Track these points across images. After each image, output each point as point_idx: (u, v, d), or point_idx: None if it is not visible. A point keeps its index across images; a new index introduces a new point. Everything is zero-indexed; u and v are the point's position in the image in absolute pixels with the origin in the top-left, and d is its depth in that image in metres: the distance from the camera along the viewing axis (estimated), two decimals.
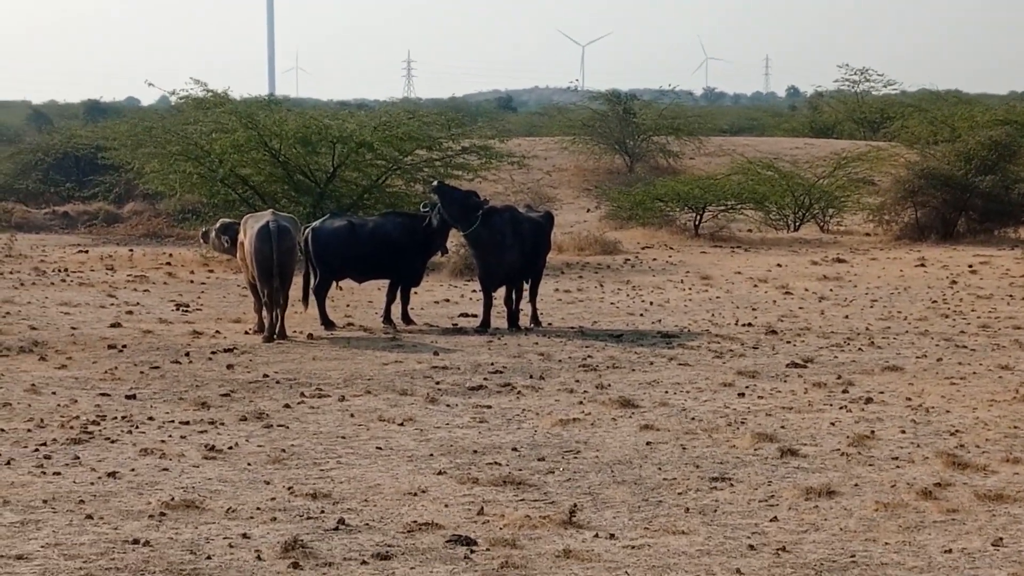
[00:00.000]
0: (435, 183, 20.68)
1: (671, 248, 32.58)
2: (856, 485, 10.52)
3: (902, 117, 49.85)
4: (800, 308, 21.65)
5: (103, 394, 14.38)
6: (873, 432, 12.37)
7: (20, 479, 10.69)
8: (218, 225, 20.68)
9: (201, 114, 32.90)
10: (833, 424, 12.79)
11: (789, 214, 38.29)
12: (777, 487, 10.49)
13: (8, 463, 11.21)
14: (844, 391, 14.48)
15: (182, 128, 31.92)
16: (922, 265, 27.77)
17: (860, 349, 17.43)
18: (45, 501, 10.02)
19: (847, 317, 20.49)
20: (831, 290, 24.03)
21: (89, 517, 9.57)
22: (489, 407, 13.78)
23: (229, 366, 16.26)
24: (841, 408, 13.58)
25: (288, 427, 12.76)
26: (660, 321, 20.30)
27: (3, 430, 12.48)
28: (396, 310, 20.04)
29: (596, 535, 9.21)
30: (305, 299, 19.93)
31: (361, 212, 27.86)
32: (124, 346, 17.66)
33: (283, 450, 11.78)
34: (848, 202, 38.23)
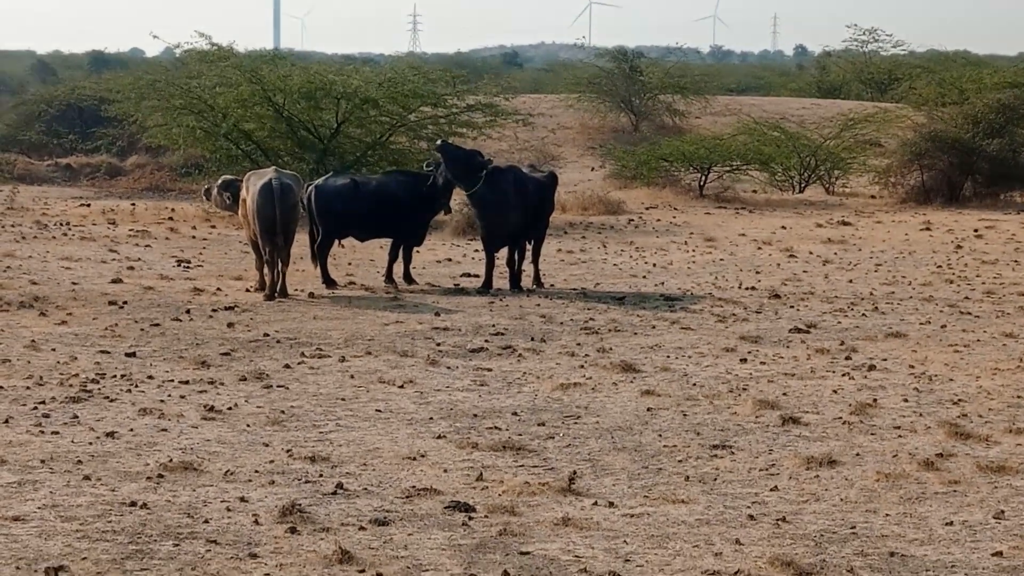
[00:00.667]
0: (438, 142, 20.58)
1: (675, 209, 32.47)
2: (857, 455, 10.47)
3: (910, 78, 49.72)
4: (804, 272, 21.57)
5: (103, 351, 14.33)
6: (875, 400, 12.31)
7: (18, 438, 10.65)
8: (220, 182, 20.59)
9: (205, 68, 32.79)
10: (835, 392, 12.73)
11: (795, 175, 38.16)
12: (778, 456, 10.44)
13: (6, 421, 11.16)
14: (847, 358, 14.41)
15: (186, 82, 31.81)
16: (927, 229, 27.66)
17: (864, 314, 17.37)
18: (43, 461, 9.98)
19: (851, 281, 20.42)
20: (835, 253, 23.94)
21: (87, 478, 9.53)
22: (490, 370, 13.72)
23: (230, 324, 16.21)
24: (844, 375, 13.52)
25: (288, 388, 12.71)
26: (663, 284, 20.22)
27: (2, 387, 12.43)
28: (398, 269, 19.98)
29: (595, 503, 9.16)
30: (314, 257, 19.85)
31: (364, 169, 27.80)
32: (125, 302, 17.60)
33: (282, 411, 11.73)
34: (854, 164, 38.06)
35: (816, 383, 13.15)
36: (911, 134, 35.10)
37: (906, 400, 12.38)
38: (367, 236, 20.60)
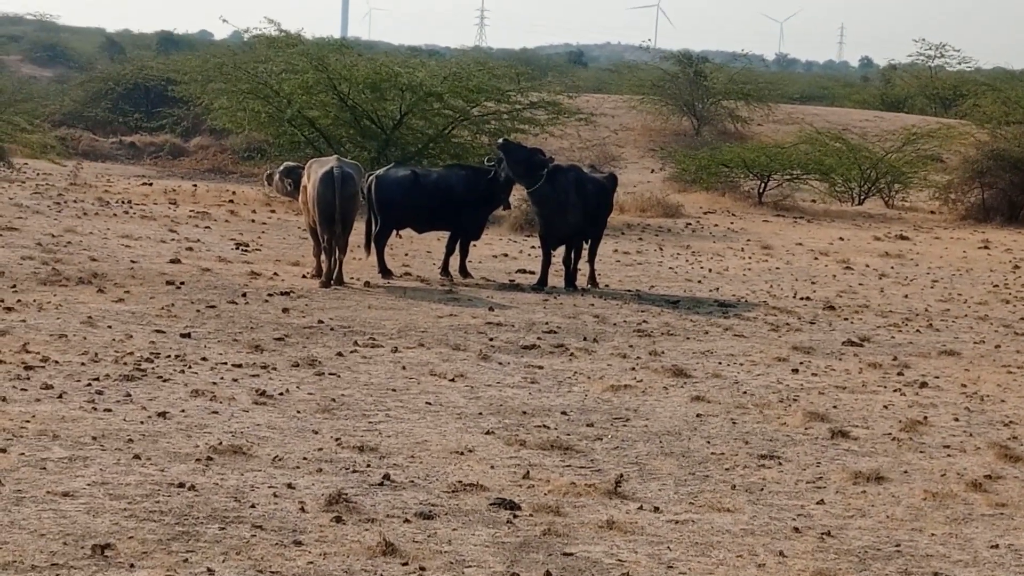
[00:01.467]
0: (501, 140, 20.62)
1: (733, 215, 32.41)
2: (905, 472, 10.43)
3: (975, 95, 49.29)
4: (860, 284, 21.49)
5: (158, 331, 14.43)
6: (926, 418, 12.26)
7: (71, 414, 10.74)
8: (282, 168, 20.71)
9: (273, 53, 33.04)
10: (886, 407, 12.68)
11: (855, 187, 38.04)
12: (826, 469, 10.41)
13: (60, 396, 11.26)
14: (899, 373, 14.36)
15: (253, 66, 32.03)
16: (985, 247, 27.52)
17: (918, 331, 17.29)
18: (94, 438, 10.06)
19: (907, 296, 20.34)
20: (892, 267, 23.85)
21: (137, 457, 9.60)
22: (541, 368, 13.74)
23: (285, 310, 16.29)
24: (895, 391, 13.46)
25: (339, 376, 12.77)
26: (718, 289, 20.20)
27: (57, 362, 12.54)
28: (454, 262, 20.04)
29: (641, 507, 9.16)
30: (368, 246, 19.94)
31: (425, 161, 27.87)
32: (182, 283, 17.72)
33: (333, 399, 11.79)
34: (915, 178, 37.94)
35: (867, 397, 13.10)
36: (973, 151, 34.94)
37: (956, 419, 12.32)
38: (425, 228, 20.67)
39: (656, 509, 9.14)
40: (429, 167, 22.92)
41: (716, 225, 29.88)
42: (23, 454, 9.48)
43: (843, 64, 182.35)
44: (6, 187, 29.12)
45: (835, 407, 12.57)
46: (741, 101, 52.07)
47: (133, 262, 19.40)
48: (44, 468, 9.19)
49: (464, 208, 19.94)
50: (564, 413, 11.83)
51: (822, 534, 8.76)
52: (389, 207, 19.79)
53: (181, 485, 8.97)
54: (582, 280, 19.88)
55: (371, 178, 20.07)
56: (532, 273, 20.38)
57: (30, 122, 37.62)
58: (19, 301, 15.62)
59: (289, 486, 9.12)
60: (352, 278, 18.97)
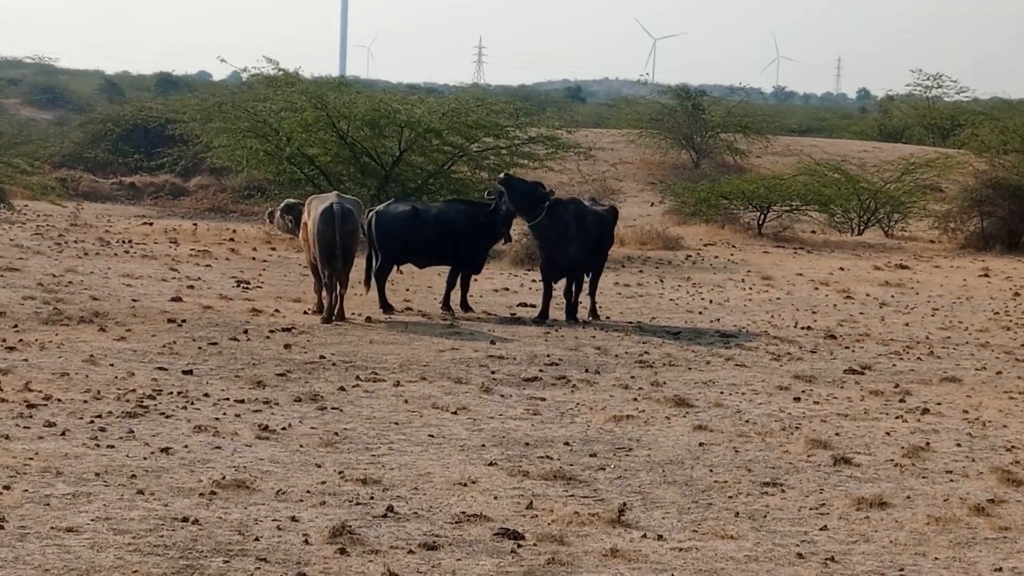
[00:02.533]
0: (502, 175, 20.68)
1: (733, 246, 32.46)
2: (908, 497, 10.44)
3: (973, 125, 49.47)
4: (861, 313, 21.52)
5: (160, 368, 14.46)
6: (928, 444, 12.26)
7: (74, 450, 10.76)
8: (283, 205, 20.79)
9: (271, 92, 33.12)
10: (888, 434, 12.69)
11: (854, 217, 38.08)
12: (829, 495, 10.42)
13: (63, 434, 11.28)
14: (901, 400, 14.37)
15: (252, 105, 32.11)
16: (986, 275, 27.54)
17: (919, 358, 17.31)
18: (98, 474, 10.08)
19: (907, 325, 20.35)
20: (892, 296, 23.87)
21: (140, 492, 9.62)
22: (543, 399, 13.76)
23: (287, 346, 16.31)
24: (897, 418, 13.47)
25: (342, 410, 12.79)
26: (719, 320, 20.23)
27: (60, 400, 12.57)
28: (455, 297, 20.07)
29: (644, 535, 9.17)
30: (367, 281, 19.99)
31: (425, 197, 27.92)
32: (183, 320, 17.75)
33: (336, 433, 11.81)
34: (914, 208, 37.98)
35: (869, 424, 13.11)
36: (972, 180, 34.99)
37: (959, 445, 12.33)
38: (426, 263, 20.71)
39: (660, 537, 9.15)
40: (429, 202, 22.96)
41: (716, 257, 29.92)
42: (27, 491, 9.50)
43: (841, 96, 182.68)
44: (7, 228, 29.18)
45: (837, 434, 12.58)
46: (739, 134, 52.17)
47: (134, 301, 19.44)
48: (48, 504, 9.21)
49: (464, 242, 19.98)
50: (567, 444, 11.84)
51: (826, 559, 8.77)
52: (389, 242, 19.83)
53: (185, 519, 8.98)
54: (583, 313, 19.91)
55: (371, 214, 20.13)
56: (533, 306, 20.41)
57: (30, 164, 37.69)
58: (21, 340, 15.65)
59: (293, 519, 9.13)
60: (353, 314, 19.01)
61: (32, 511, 9.03)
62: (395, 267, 20.48)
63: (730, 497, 10.30)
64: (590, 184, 41.14)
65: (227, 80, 76.06)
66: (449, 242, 19.97)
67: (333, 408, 12.85)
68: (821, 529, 9.48)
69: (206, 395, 13.18)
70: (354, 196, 21.98)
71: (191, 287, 21.37)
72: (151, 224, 32.88)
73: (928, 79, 66.19)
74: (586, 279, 20.19)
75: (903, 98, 70.09)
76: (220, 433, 11.59)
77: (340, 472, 10.45)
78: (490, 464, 10.98)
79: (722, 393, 14.48)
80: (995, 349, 18.25)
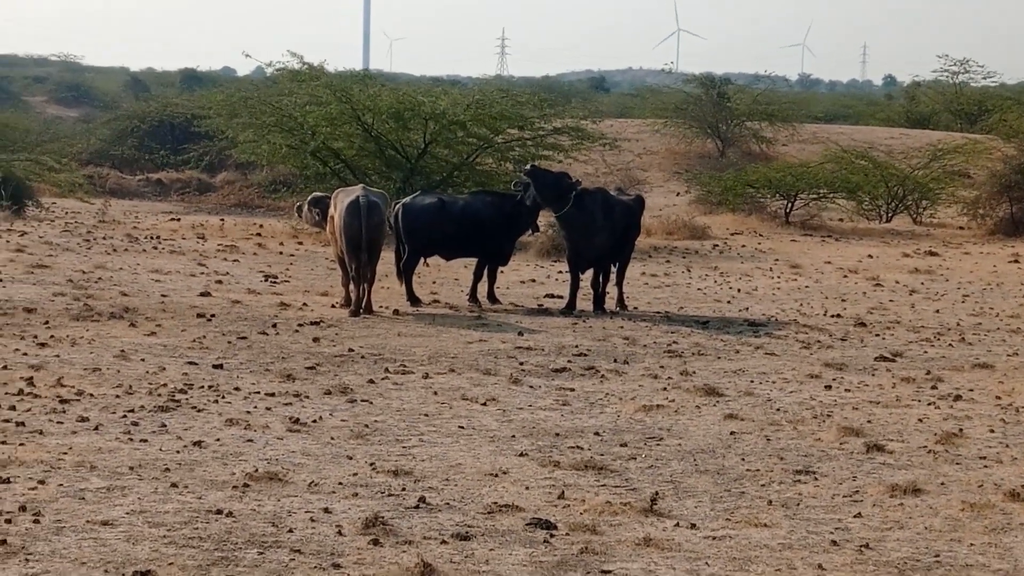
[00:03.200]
0: (528, 166, 20.67)
1: (760, 235, 32.40)
2: (942, 484, 10.40)
3: (1000, 110, 49.20)
4: (890, 301, 21.46)
5: (191, 362, 14.49)
6: (961, 430, 12.22)
7: (107, 445, 10.79)
8: (310, 198, 20.77)
9: (296, 86, 33.08)
10: (921, 420, 12.65)
11: (882, 204, 37.96)
12: (862, 483, 10.39)
13: (96, 428, 11.32)
14: (933, 387, 14.32)
15: (277, 99, 32.11)
16: (1016, 261, 27.43)
17: (950, 345, 17.25)
18: (131, 468, 10.11)
19: (938, 311, 20.28)
20: (922, 283, 23.80)
21: (174, 485, 9.64)
22: (572, 390, 13.75)
23: (315, 339, 16.34)
24: (929, 404, 13.43)
25: (372, 402, 12.80)
26: (747, 309, 20.19)
27: (92, 395, 12.61)
28: (482, 289, 20.06)
29: (677, 524, 9.16)
30: (399, 275, 19.99)
31: (450, 189, 27.91)
32: (213, 315, 17.79)
33: (366, 425, 11.82)
34: (942, 194, 37.84)
35: (901, 412, 13.07)
36: (1000, 166, 34.82)
37: (992, 431, 12.28)
38: (453, 255, 20.70)
39: (693, 526, 9.13)
40: (455, 194, 22.94)
41: (743, 246, 29.87)
42: (62, 485, 9.54)
43: (867, 83, 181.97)
44: (36, 226, 29.28)
45: (869, 422, 12.55)
46: (765, 122, 52.02)
47: (164, 296, 19.48)
48: (83, 498, 9.24)
49: (491, 234, 19.97)
50: (597, 434, 11.83)
51: (860, 546, 8.75)
52: (416, 235, 19.84)
53: (219, 512, 9.00)
54: (611, 303, 19.89)
55: (398, 206, 20.13)
56: (560, 297, 20.39)
57: (58, 161, 37.77)
58: (52, 337, 15.71)
59: (326, 511, 9.14)
60: (381, 306, 19.03)
61: (67, 505, 9.06)
62: (422, 260, 20.48)
63: (763, 485, 10.28)
64: (616, 174, 41.14)
65: (251, 75, 76.05)
66: (476, 234, 19.96)
67: (363, 400, 12.86)
68: (855, 516, 9.45)
69: (237, 389, 13.20)
70: (380, 189, 21.99)
71: (219, 282, 21.41)
72: (178, 220, 32.98)
73: (955, 64, 65.82)
74: (613, 269, 20.17)
75: (930, 84, 69.71)
76: (252, 426, 11.61)
77: (371, 464, 10.46)
78: (521, 455, 10.98)
79: (752, 382, 14.45)
80: None
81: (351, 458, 10.67)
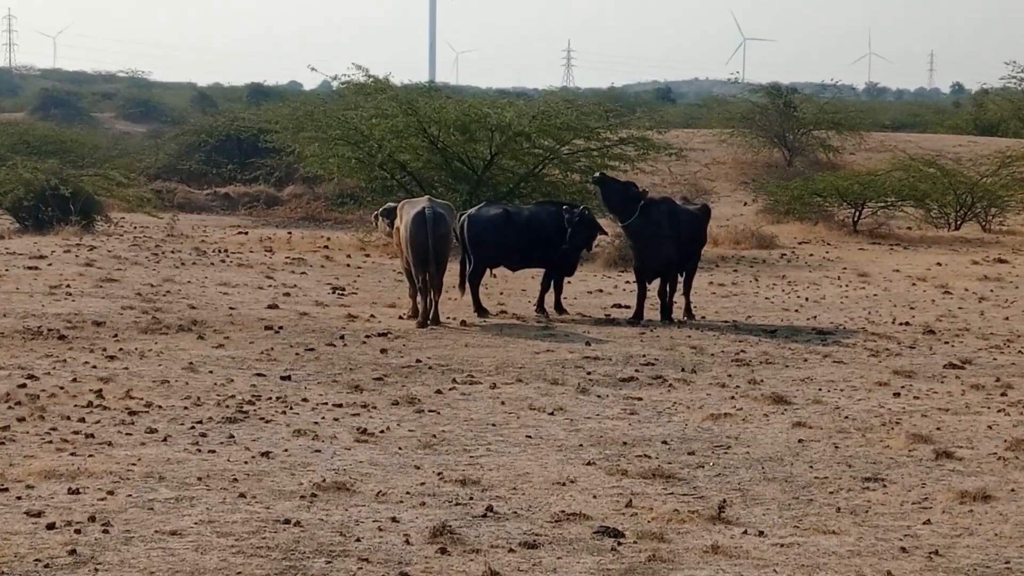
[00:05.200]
0: (597, 174, 20.67)
1: (828, 244, 32.25)
2: (1013, 490, 10.32)
3: None
4: (959, 308, 21.30)
5: (259, 374, 14.57)
6: None
7: (176, 456, 10.87)
8: (381, 209, 20.83)
9: (362, 99, 33.20)
10: (990, 427, 12.56)
11: (950, 212, 37.67)
12: (931, 489, 10.32)
13: (165, 439, 11.40)
14: (1003, 394, 14.21)
15: (343, 113, 32.23)
16: None
17: (1020, 352, 17.10)
18: (200, 478, 10.17)
19: (1007, 319, 20.12)
20: (991, 291, 23.61)
21: (242, 496, 9.69)
22: (640, 399, 13.73)
23: (383, 350, 16.39)
24: (999, 411, 13.33)
25: (439, 413, 12.82)
26: (815, 317, 20.10)
27: (161, 407, 12.70)
28: (549, 299, 20.06)
29: (745, 532, 9.13)
30: (462, 286, 20.03)
31: (517, 201, 27.93)
32: (280, 327, 17.88)
33: (434, 435, 11.84)
34: (1011, 202, 37.50)
35: (971, 418, 12.98)
36: None
37: None
38: (518, 266, 20.72)
39: (761, 533, 9.10)
40: (520, 205, 22.96)
41: (811, 255, 29.73)
42: (130, 496, 9.61)
43: (934, 91, 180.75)
44: (105, 240, 29.53)
45: (938, 429, 12.46)
46: (832, 130, 51.77)
47: (232, 309, 19.60)
48: (151, 509, 9.31)
49: (556, 245, 19.96)
50: (665, 442, 11.81)
51: (930, 553, 8.69)
52: (482, 246, 19.87)
53: (287, 521, 9.04)
54: (678, 313, 19.84)
55: (463, 217, 20.17)
56: (627, 307, 20.37)
57: (126, 176, 38.08)
58: (121, 349, 15.83)
59: (393, 520, 9.17)
60: (448, 318, 19.06)
61: (136, 515, 9.13)
62: (488, 271, 20.50)
63: (831, 493, 10.22)
64: (683, 184, 41.05)
65: (317, 89, 76.48)
66: (541, 244, 19.96)
67: (430, 411, 12.89)
68: (924, 523, 9.39)
69: (304, 400, 13.26)
70: (446, 201, 22.04)
71: (287, 294, 21.52)
72: (246, 233, 33.18)
73: (1023, 71, 65.27)
74: (680, 279, 20.12)
75: (998, 91, 69.12)
76: (319, 437, 11.66)
77: (439, 473, 10.48)
78: (588, 464, 10.97)
79: (820, 390, 14.38)
80: None
81: (419, 468, 10.70)
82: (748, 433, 12.24)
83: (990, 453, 11.53)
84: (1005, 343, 17.73)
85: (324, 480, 10.12)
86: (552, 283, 20.20)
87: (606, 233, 20.17)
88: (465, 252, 20.07)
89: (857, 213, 35.80)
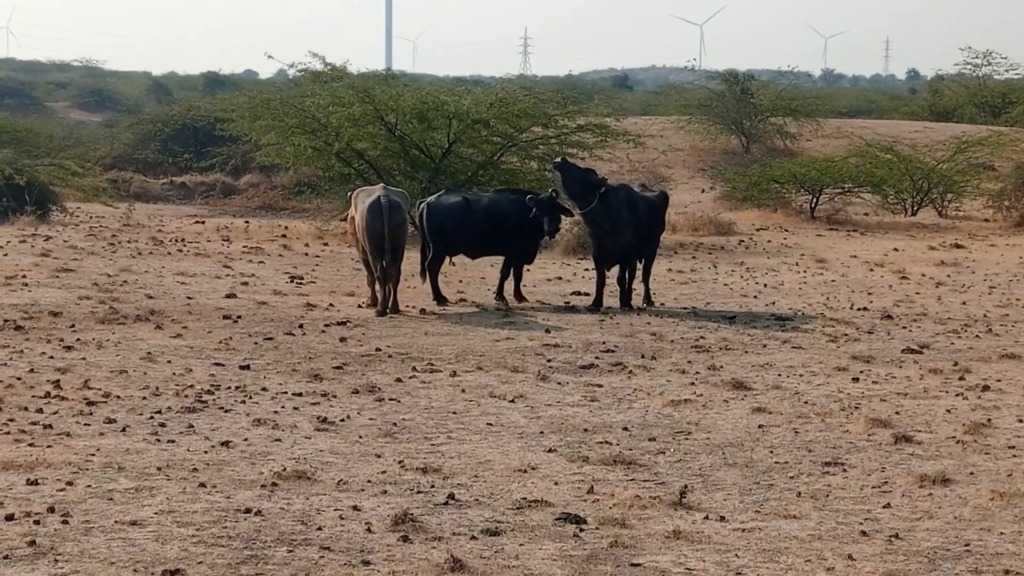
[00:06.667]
0: (558, 159, 20.66)
1: (786, 230, 32.35)
2: (971, 473, 10.37)
3: None
4: (917, 293, 21.39)
5: (217, 364, 14.51)
6: (989, 420, 12.19)
7: (135, 446, 10.81)
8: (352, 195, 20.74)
9: (319, 87, 33.10)
10: (949, 411, 12.62)
11: (907, 198, 37.86)
12: (891, 473, 10.36)
13: (124, 430, 11.34)
14: (960, 378, 14.28)
15: (299, 101, 32.09)
16: None
17: (977, 336, 17.19)
18: (159, 468, 10.13)
19: (964, 303, 20.22)
20: (948, 276, 23.72)
21: (202, 485, 9.65)
22: (600, 386, 13.74)
23: (342, 339, 16.35)
24: (957, 395, 13.39)
25: (400, 401, 12.80)
26: (774, 303, 20.16)
27: (119, 397, 12.64)
28: (509, 287, 20.05)
29: (706, 517, 9.14)
30: (423, 273, 19.99)
31: (475, 188, 27.91)
32: (239, 317, 17.82)
33: (394, 424, 11.82)
34: (967, 187, 37.71)
35: (929, 403, 13.04)
36: None
37: (1021, 420, 12.24)
38: (478, 254, 20.70)
39: (722, 518, 9.12)
40: (480, 193, 22.93)
41: (769, 241, 29.81)
42: (90, 486, 9.56)
43: (890, 77, 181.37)
44: (61, 230, 29.35)
45: (897, 413, 12.52)
46: (789, 117, 51.92)
47: (189, 298, 19.52)
48: (111, 499, 9.26)
49: (516, 233, 19.94)
50: (626, 429, 11.82)
51: (890, 537, 8.72)
52: (441, 234, 19.83)
53: (248, 511, 9.01)
54: (637, 300, 19.86)
55: (422, 205, 20.14)
56: (587, 295, 20.38)
57: (81, 166, 37.91)
58: (79, 340, 15.75)
59: (355, 508, 9.14)
60: (407, 306, 19.03)
61: (96, 506, 9.08)
62: (448, 258, 20.48)
63: (791, 477, 10.25)
64: (640, 172, 41.09)
65: (274, 77, 76.32)
66: (501, 232, 19.94)
67: (391, 399, 12.87)
68: (884, 507, 9.43)
69: (264, 389, 13.22)
70: (401, 189, 21.97)
71: (245, 284, 21.44)
72: (203, 223, 33.03)
73: (978, 57, 65.47)
74: (639, 266, 20.14)
75: (953, 77, 69.50)
76: (279, 426, 11.62)
77: (400, 461, 10.46)
78: (549, 451, 10.97)
79: (780, 375, 14.42)
80: None
81: (380, 456, 10.68)
82: (708, 419, 12.26)
83: (949, 437, 11.58)
84: (962, 327, 17.82)
85: (285, 469, 10.09)
86: (512, 271, 20.18)
87: (572, 215, 20.12)
88: (425, 240, 20.03)
89: (814, 199, 35.93)
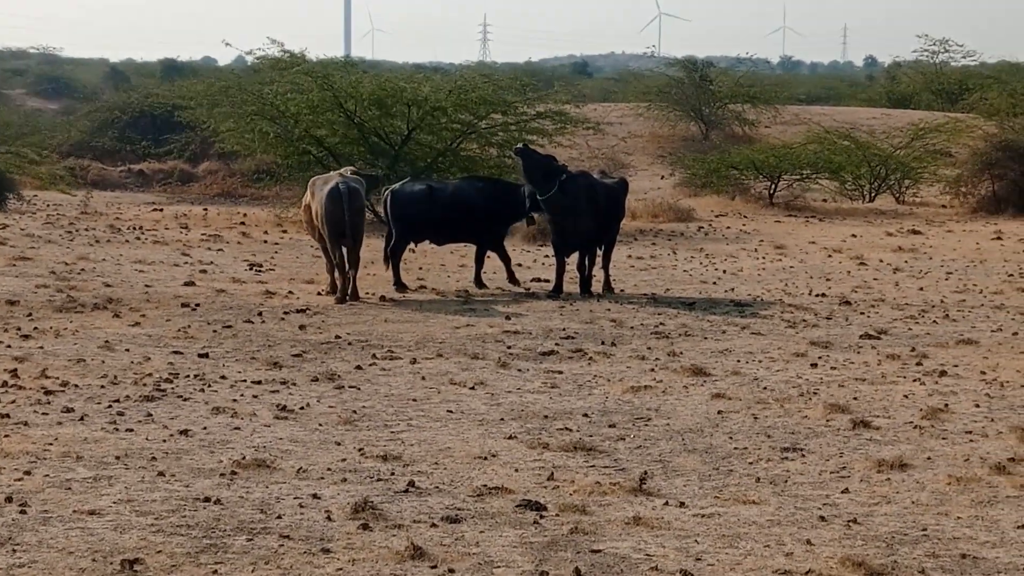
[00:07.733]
0: (519, 145, 20.65)
1: (745, 216, 32.43)
2: (929, 458, 10.43)
3: (981, 89, 49.30)
4: (874, 279, 21.48)
5: (176, 352, 14.47)
6: (947, 405, 12.25)
7: (93, 435, 10.77)
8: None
9: (277, 74, 33.01)
10: (906, 396, 12.68)
11: (865, 184, 38.00)
12: (849, 459, 10.41)
13: (81, 419, 11.30)
14: (918, 363, 14.35)
15: (258, 88, 32.00)
16: (998, 238, 27.48)
17: (935, 322, 17.28)
18: (117, 457, 10.09)
19: (922, 289, 20.33)
20: (906, 262, 23.83)
21: (161, 474, 9.62)
22: (560, 372, 13.76)
23: (301, 327, 16.32)
24: (915, 381, 13.46)
25: (359, 388, 12.79)
26: (733, 290, 20.21)
27: (77, 386, 12.58)
28: (469, 273, 20.04)
29: (666, 503, 9.17)
30: (386, 260, 19.97)
31: (435, 175, 27.88)
32: (197, 305, 17.76)
33: (354, 411, 11.81)
34: (924, 173, 37.89)
35: (887, 388, 13.10)
36: (982, 144, 34.87)
37: (977, 405, 12.32)
38: (443, 241, 20.75)
39: (682, 504, 9.14)
40: (445, 180, 22.91)
41: (728, 227, 29.89)
42: (47, 476, 9.52)
43: (848, 64, 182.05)
44: (18, 218, 29.21)
45: (855, 399, 12.57)
46: (748, 104, 52.04)
47: (147, 286, 19.45)
48: (69, 488, 9.22)
49: (482, 220, 19.95)
50: (586, 415, 11.83)
51: (848, 521, 8.76)
52: (405, 221, 19.82)
53: (207, 499, 8.99)
54: (597, 286, 19.89)
55: (387, 192, 20.15)
56: (547, 281, 20.40)
57: (38, 154, 37.69)
58: (36, 328, 15.67)
59: (315, 496, 9.13)
60: (367, 293, 19.01)
61: (54, 495, 9.04)
62: (411, 245, 20.44)
63: (751, 463, 10.29)
64: (600, 158, 41.12)
65: (232, 64, 75.84)
66: (466, 220, 19.94)
67: (350, 387, 12.85)
68: (843, 492, 9.47)
69: (223, 377, 13.19)
70: (357, 176, 21.91)
71: (204, 271, 21.37)
72: (161, 210, 32.91)
73: (934, 44, 65.75)
74: (599, 252, 20.16)
75: (910, 64, 69.81)
76: (238, 414, 11.60)
77: (360, 449, 10.45)
78: (510, 437, 10.97)
79: (739, 361, 14.47)
80: (1011, 311, 18.22)
81: (339, 444, 10.66)
82: (668, 405, 12.29)
83: (906, 422, 11.64)
84: (920, 313, 17.90)
85: (244, 457, 10.06)
86: (475, 256, 20.23)
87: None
88: (389, 227, 20.01)
89: (773, 186, 36.04)
